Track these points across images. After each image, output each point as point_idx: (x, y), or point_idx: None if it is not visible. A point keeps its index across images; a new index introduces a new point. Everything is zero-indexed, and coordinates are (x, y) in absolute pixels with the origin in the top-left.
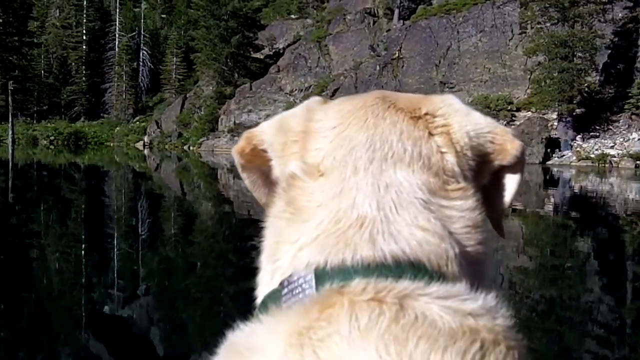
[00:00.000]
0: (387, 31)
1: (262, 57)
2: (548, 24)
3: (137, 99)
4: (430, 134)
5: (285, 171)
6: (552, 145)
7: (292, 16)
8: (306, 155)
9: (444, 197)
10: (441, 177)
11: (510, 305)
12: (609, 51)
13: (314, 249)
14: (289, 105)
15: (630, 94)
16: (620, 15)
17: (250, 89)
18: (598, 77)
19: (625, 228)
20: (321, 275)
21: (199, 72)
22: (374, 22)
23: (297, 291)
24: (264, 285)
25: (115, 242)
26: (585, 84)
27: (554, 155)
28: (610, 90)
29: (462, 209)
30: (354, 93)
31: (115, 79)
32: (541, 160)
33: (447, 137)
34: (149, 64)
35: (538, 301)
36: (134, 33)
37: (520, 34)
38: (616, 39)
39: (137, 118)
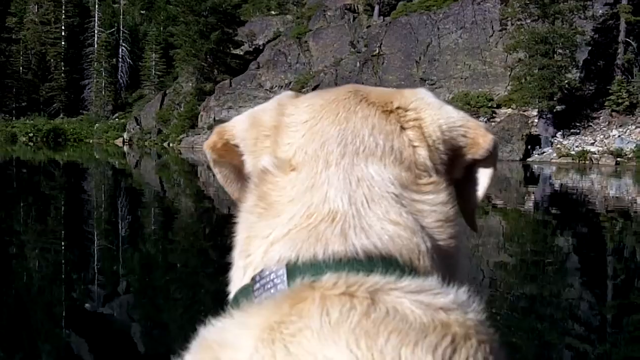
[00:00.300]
0: (367, 27)
1: (241, 53)
2: (528, 21)
3: (117, 96)
4: (402, 128)
5: (257, 166)
6: (533, 142)
7: (272, 12)
8: (278, 150)
9: (415, 191)
10: (413, 171)
11: (482, 299)
12: (589, 48)
13: (286, 244)
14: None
15: (610, 91)
16: (600, 11)
17: (230, 85)
18: (578, 74)
19: (605, 225)
20: (293, 270)
21: (179, 68)
22: (354, 19)
23: (268, 286)
24: (237, 280)
25: (95, 240)
26: (566, 81)
27: (534, 152)
28: (590, 87)
29: (434, 203)
30: None
31: (95, 75)
32: (521, 157)
33: (419, 131)
34: (128, 60)
35: (519, 298)
36: (113, 29)
37: (500, 30)
38: (596, 35)
39: (117, 115)
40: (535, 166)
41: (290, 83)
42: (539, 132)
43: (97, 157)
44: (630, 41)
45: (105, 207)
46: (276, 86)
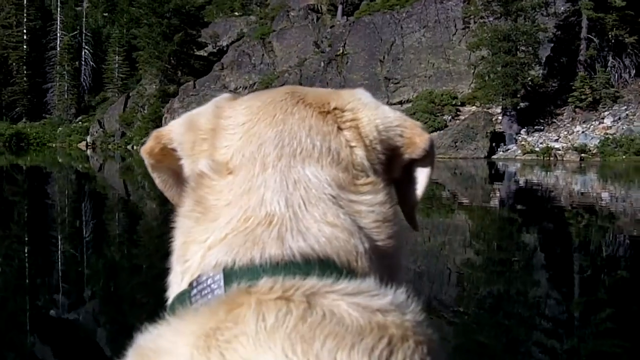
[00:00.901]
0: (331, 27)
1: (205, 54)
2: (491, 19)
3: (80, 99)
4: (340, 129)
5: (194, 170)
6: (497, 139)
7: (236, 13)
8: (215, 153)
9: (353, 192)
10: (351, 172)
11: (421, 299)
12: (552, 45)
13: (223, 249)
14: None
15: (573, 87)
16: (562, 8)
17: (194, 87)
18: (541, 71)
19: (570, 221)
20: (229, 275)
21: (142, 70)
22: (318, 19)
23: (205, 292)
24: (175, 286)
25: (59, 245)
26: (529, 78)
27: (499, 149)
28: (553, 84)
29: (372, 203)
30: None
31: (57, 78)
32: (486, 154)
33: (356, 131)
34: (91, 63)
35: (486, 296)
36: (76, 32)
37: (463, 29)
38: (559, 32)
39: (80, 118)
40: (500, 163)
41: (254, 84)
42: (503, 129)
43: (60, 161)
44: (592, 37)
45: (69, 211)
46: (240, 87)
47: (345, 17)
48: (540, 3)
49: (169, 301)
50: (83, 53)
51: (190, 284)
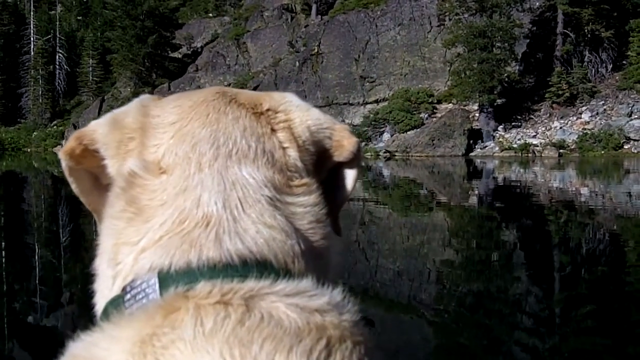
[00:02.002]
0: (305, 27)
1: (180, 56)
2: (466, 15)
3: (55, 103)
4: (273, 130)
5: (122, 170)
6: (475, 136)
7: (210, 14)
8: (145, 152)
9: (288, 193)
10: (285, 174)
11: (357, 299)
12: (528, 40)
13: (158, 251)
14: None
15: (550, 83)
16: (537, 3)
17: (169, 89)
18: (518, 67)
19: (550, 217)
20: (165, 279)
21: (116, 73)
22: (292, 18)
23: (140, 296)
24: (105, 291)
25: (36, 250)
26: (505, 74)
27: (476, 146)
28: (530, 80)
29: (307, 204)
30: (274, 90)
31: (32, 83)
32: (464, 152)
33: (289, 132)
34: (65, 67)
35: (466, 294)
36: (49, 36)
37: (438, 26)
38: (534, 28)
39: (55, 122)
40: (478, 160)
41: (229, 85)
42: (480, 126)
43: (36, 165)
44: (568, 32)
45: (46, 216)
46: None
47: (319, 16)
48: None
49: (100, 308)
50: (57, 57)
51: (124, 289)
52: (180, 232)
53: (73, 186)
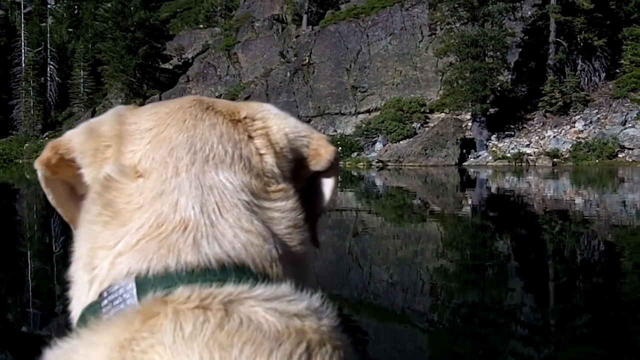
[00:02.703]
0: (296, 37)
1: (171, 67)
2: (458, 24)
3: (46, 115)
4: (250, 137)
5: (98, 176)
6: (468, 145)
7: (200, 26)
8: (121, 157)
9: (265, 198)
10: (262, 179)
11: (334, 305)
12: (520, 49)
13: (135, 256)
14: None
15: (543, 92)
16: (529, 12)
17: (160, 99)
18: (510, 76)
19: (544, 227)
20: (143, 284)
21: (107, 84)
22: (283, 29)
23: (117, 302)
24: (81, 297)
25: (29, 261)
26: (498, 83)
27: (469, 156)
28: (522, 89)
29: (284, 209)
30: (265, 100)
31: (23, 94)
32: (457, 161)
33: (266, 139)
34: (56, 78)
35: (461, 304)
36: (40, 48)
37: (429, 35)
38: (526, 37)
39: (47, 134)
40: (472, 170)
41: (220, 95)
42: (473, 135)
43: (28, 177)
44: (561, 41)
45: (38, 227)
46: None
47: (310, 26)
48: (507, 7)
49: (76, 314)
50: (48, 69)
51: (100, 295)
52: (157, 236)
53: (50, 197)
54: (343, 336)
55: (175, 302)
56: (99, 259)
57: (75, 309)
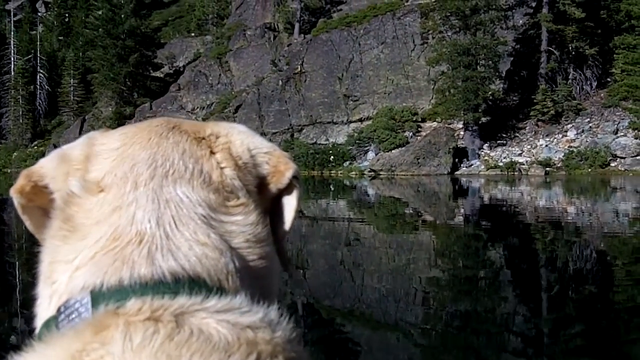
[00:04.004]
0: (288, 45)
1: (162, 75)
2: (450, 33)
3: (35, 123)
4: (212, 152)
5: (61, 194)
6: (460, 154)
7: (192, 34)
8: (86, 175)
9: (224, 212)
10: (222, 193)
11: (292, 319)
12: (512, 58)
13: (91, 269)
14: None
15: (535, 100)
16: (521, 21)
17: (151, 108)
18: (502, 85)
19: (536, 236)
20: (97, 297)
21: (97, 93)
22: (275, 37)
23: (73, 316)
24: (42, 312)
25: (17, 272)
26: (490, 92)
27: (462, 165)
28: (514, 98)
29: (243, 224)
30: (257, 109)
31: (12, 103)
32: (449, 170)
33: (227, 152)
34: (46, 87)
35: (453, 314)
36: (30, 56)
37: (422, 44)
38: (518, 45)
39: (36, 143)
40: (464, 179)
41: (212, 104)
42: (465, 144)
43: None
44: (553, 50)
45: (27, 237)
46: (198, 107)
47: (302, 35)
48: (499, 16)
49: (38, 328)
50: (38, 77)
51: (58, 309)
52: (113, 249)
53: (27, 223)
54: (299, 348)
55: (127, 314)
56: (58, 273)
57: (38, 324)
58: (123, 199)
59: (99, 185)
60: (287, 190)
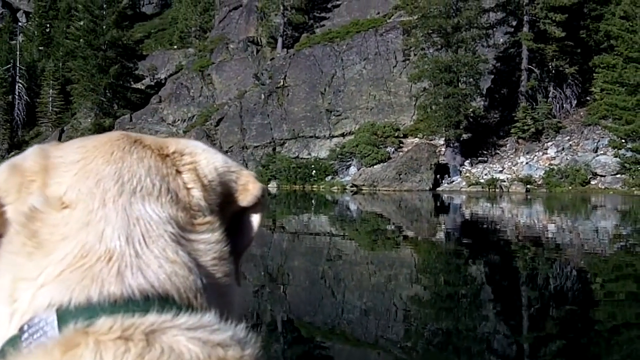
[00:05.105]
0: (271, 60)
1: (143, 87)
2: (431, 50)
3: (13, 134)
4: (178, 172)
5: (22, 209)
6: (441, 171)
7: (174, 46)
8: (47, 189)
9: (192, 231)
10: (189, 212)
11: (259, 336)
12: (492, 76)
13: (57, 287)
14: (171, 136)
15: (516, 118)
16: (501, 40)
17: (131, 120)
18: (483, 102)
19: (517, 254)
20: (64, 315)
21: (77, 104)
22: (258, 51)
23: (37, 335)
24: (2, 331)
25: None
26: (471, 109)
27: (443, 181)
28: (495, 115)
29: (210, 242)
30: (239, 122)
31: None
32: (431, 186)
33: (195, 173)
34: (25, 97)
35: (434, 332)
36: (9, 65)
37: (403, 61)
38: (499, 63)
39: (13, 153)
40: (446, 195)
41: (193, 116)
42: (447, 161)
43: None
44: (533, 68)
45: None
46: (179, 120)
47: (285, 49)
48: (480, 34)
49: None
50: (17, 87)
51: (21, 328)
52: (81, 267)
53: None
54: None
55: (97, 333)
56: (20, 291)
57: None
58: (91, 215)
59: (62, 200)
60: (252, 208)
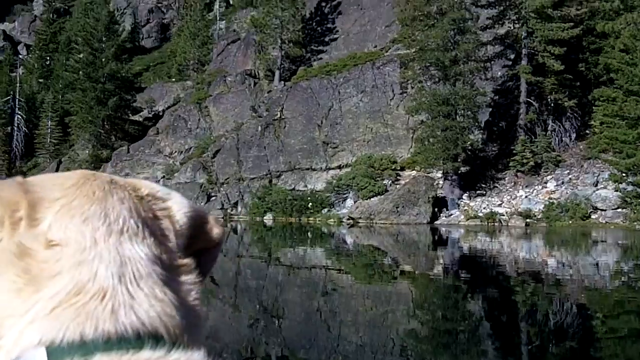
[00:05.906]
0: (268, 92)
1: (140, 119)
2: (429, 83)
3: (11, 165)
4: (155, 216)
5: (8, 244)
6: (439, 204)
7: (173, 79)
8: (33, 224)
9: (175, 272)
10: (170, 254)
11: None
12: (490, 109)
13: (49, 323)
14: (168, 168)
15: (514, 151)
16: (499, 73)
17: (128, 151)
18: (481, 135)
19: (516, 289)
20: (55, 353)
21: (75, 135)
22: (255, 84)
23: None
24: None
25: None
26: (469, 142)
27: (441, 214)
28: (493, 148)
29: (190, 282)
30: (235, 154)
31: None
32: (429, 220)
33: (169, 220)
34: (24, 128)
35: None
36: (9, 97)
37: (401, 93)
38: (497, 97)
39: None
40: (444, 229)
41: (190, 148)
42: (445, 194)
43: None
44: (532, 101)
45: None
46: (176, 151)
47: (282, 82)
48: (478, 67)
49: None
50: (16, 118)
51: None
52: (74, 304)
53: None
54: None
55: None
56: (7, 328)
57: None
58: (84, 254)
59: (47, 236)
60: (213, 248)
